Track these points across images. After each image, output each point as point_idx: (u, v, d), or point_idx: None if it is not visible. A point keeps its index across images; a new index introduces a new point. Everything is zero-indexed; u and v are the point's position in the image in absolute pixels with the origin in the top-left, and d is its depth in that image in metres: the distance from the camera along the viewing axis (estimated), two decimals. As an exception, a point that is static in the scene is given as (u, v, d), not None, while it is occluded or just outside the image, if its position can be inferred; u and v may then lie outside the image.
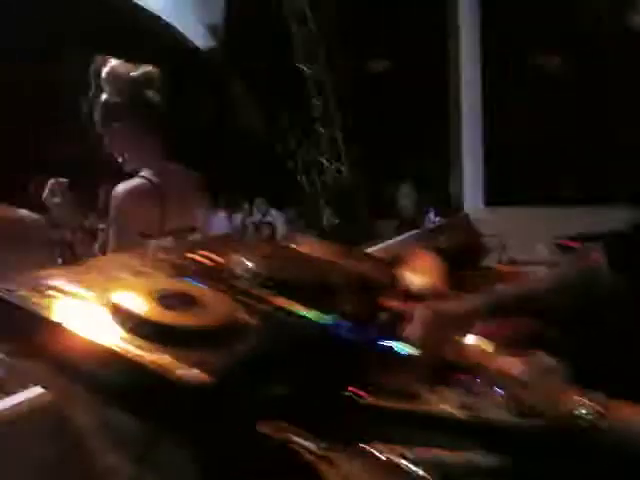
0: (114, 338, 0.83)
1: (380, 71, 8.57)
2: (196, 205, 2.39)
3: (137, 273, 0.99)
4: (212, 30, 8.03)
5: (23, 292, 0.85)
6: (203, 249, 1.09)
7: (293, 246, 1.31)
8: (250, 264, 1.08)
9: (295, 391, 0.92)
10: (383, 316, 1.16)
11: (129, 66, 2.34)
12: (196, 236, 2.29)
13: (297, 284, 1.08)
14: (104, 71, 2.30)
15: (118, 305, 0.87)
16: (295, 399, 0.92)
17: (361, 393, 0.96)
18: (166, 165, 2.38)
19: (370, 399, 0.95)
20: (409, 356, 1.05)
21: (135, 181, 2.32)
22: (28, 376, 0.92)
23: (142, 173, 2.33)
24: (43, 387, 0.95)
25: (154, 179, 2.34)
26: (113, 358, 0.81)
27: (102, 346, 0.82)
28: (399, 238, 3.02)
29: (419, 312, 1.09)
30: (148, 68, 2.35)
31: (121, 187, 2.31)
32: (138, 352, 0.81)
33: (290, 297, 1.03)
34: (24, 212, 1.96)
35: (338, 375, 0.99)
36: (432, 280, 1.37)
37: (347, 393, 0.95)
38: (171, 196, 2.31)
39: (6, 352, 0.90)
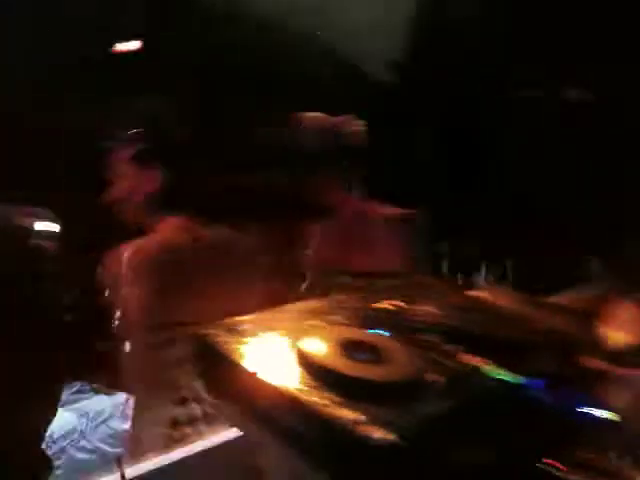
0: (302, 387, 0.84)
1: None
2: (392, 247, 2.41)
3: (326, 321, 0.99)
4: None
5: (219, 336, 0.90)
6: (393, 296, 1.08)
7: (484, 296, 1.25)
8: (440, 315, 1.04)
9: (484, 456, 0.87)
10: (582, 377, 1.06)
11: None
12: (390, 280, 2.30)
13: (488, 340, 1.02)
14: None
15: (307, 354, 0.88)
16: (483, 465, 0.86)
17: (557, 464, 0.88)
18: (358, 205, 2.44)
19: (568, 473, 0.87)
20: (612, 425, 0.95)
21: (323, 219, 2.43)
22: (221, 413, 0.95)
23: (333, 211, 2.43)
24: (234, 425, 0.99)
25: (340, 218, 2.42)
26: (300, 408, 0.82)
27: (290, 395, 0.83)
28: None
29: (628, 377, 0.99)
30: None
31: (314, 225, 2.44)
32: (325, 403, 0.81)
33: (481, 354, 0.98)
34: (236, 234, 2.12)
35: (531, 442, 0.92)
36: (640, 337, 1.24)
37: (541, 463, 0.88)
38: (357, 236, 2.36)
39: (204, 391, 0.94)
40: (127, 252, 1.94)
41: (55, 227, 0.93)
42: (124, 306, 1.88)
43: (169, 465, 1.08)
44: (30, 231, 0.84)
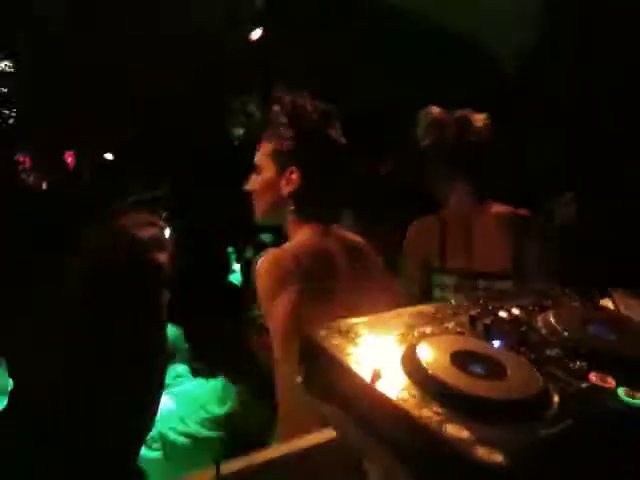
0: (411, 397, 0.80)
1: None
2: (506, 247, 2.32)
3: (441, 328, 0.95)
4: (518, 52, 7.54)
5: (330, 338, 0.87)
6: (513, 305, 1.01)
7: (614, 307, 1.15)
8: (565, 328, 0.96)
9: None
10: None
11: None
12: (504, 284, 2.21)
13: (619, 358, 0.93)
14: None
15: (418, 363, 0.84)
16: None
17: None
18: (467, 201, 2.37)
19: None
20: None
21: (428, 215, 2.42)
22: (325, 416, 0.93)
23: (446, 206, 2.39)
24: (336, 429, 0.96)
25: (445, 213, 2.37)
26: (407, 420, 0.78)
27: (398, 405, 0.79)
28: None
29: None
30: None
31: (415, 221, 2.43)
32: (434, 418, 0.77)
33: (610, 373, 0.89)
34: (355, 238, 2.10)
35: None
36: None
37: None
38: (459, 232, 2.29)
39: (306, 392, 0.92)
40: (273, 256, 1.93)
41: (169, 235, 0.94)
42: (270, 313, 1.87)
43: (271, 460, 1.08)
44: (146, 244, 0.85)
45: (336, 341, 0.88)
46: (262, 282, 1.88)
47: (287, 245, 1.99)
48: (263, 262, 1.91)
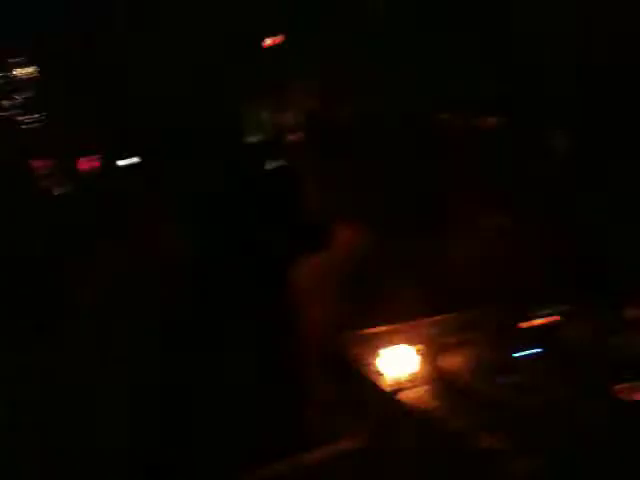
0: (437, 407, 0.79)
1: None
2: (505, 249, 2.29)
3: (467, 337, 0.93)
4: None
5: (353, 346, 0.86)
6: (541, 313, 0.99)
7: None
8: (597, 336, 0.94)
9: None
10: None
11: None
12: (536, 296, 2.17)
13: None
14: None
15: (444, 373, 0.82)
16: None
17: None
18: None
19: None
20: None
21: None
22: (346, 427, 0.92)
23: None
24: (358, 436, 0.94)
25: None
26: (435, 432, 0.76)
27: (422, 415, 0.77)
28: None
29: None
30: None
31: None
32: (462, 427, 0.75)
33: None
34: None
35: None
36: None
37: None
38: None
39: (327, 397, 0.90)
40: (313, 263, 1.91)
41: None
42: (308, 314, 1.86)
43: (289, 470, 1.06)
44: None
45: (357, 350, 0.86)
46: (307, 279, 1.88)
47: (333, 248, 1.98)
48: (311, 263, 1.91)
